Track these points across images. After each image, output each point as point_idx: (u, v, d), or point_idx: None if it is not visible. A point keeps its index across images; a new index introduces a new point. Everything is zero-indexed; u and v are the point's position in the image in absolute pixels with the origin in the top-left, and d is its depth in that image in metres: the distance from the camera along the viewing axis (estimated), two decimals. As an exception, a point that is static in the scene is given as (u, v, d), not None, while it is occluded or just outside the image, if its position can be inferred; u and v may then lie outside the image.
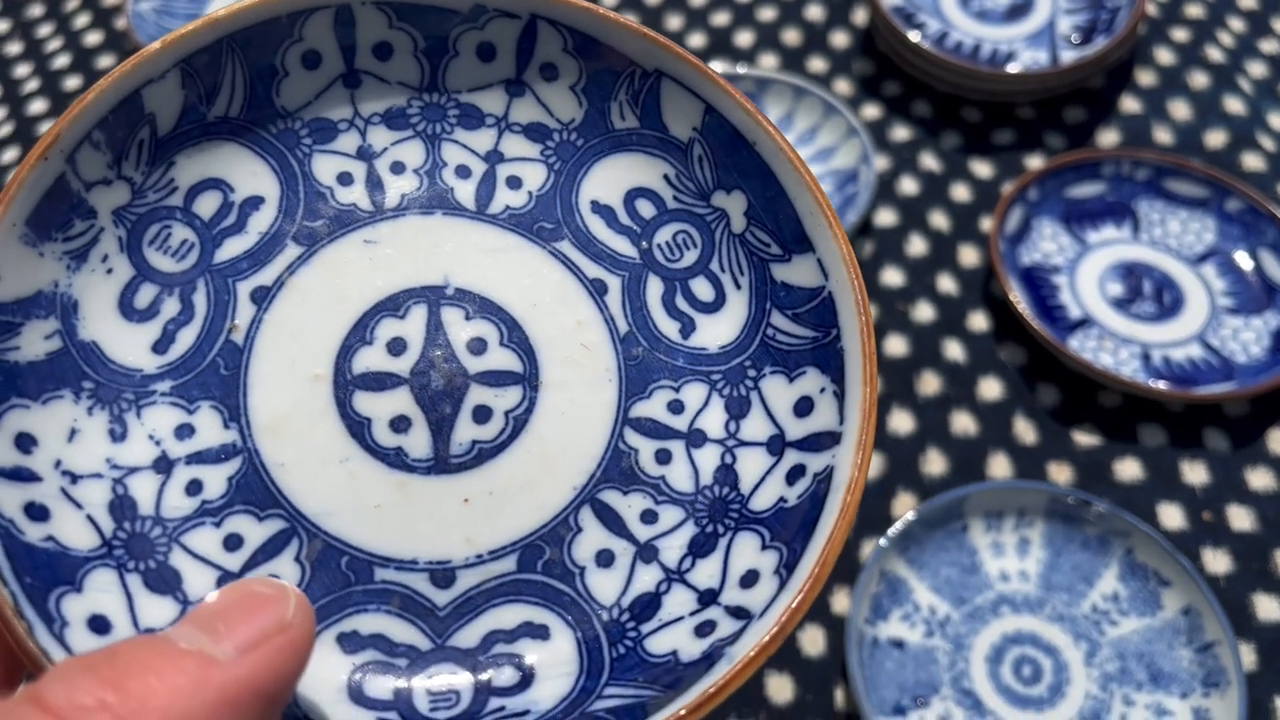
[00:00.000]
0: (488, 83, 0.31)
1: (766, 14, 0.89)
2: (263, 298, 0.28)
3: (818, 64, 0.85)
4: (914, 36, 0.79)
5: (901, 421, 0.66)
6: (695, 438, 0.29)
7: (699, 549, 0.28)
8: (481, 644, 0.27)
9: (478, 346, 0.29)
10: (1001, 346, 0.69)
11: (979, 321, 0.70)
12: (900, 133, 0.80)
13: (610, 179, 0.31)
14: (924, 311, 0.71)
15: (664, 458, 0.29)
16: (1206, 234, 0.72)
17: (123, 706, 0.17)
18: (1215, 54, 0.83)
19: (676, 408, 0.29)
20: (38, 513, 0.25)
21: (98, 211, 0.27)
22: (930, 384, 0.67)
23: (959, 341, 0.69)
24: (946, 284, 0.72)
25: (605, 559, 0.28)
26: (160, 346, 0.28)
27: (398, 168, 0.30)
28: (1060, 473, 0.64)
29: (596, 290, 0.30)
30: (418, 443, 0.28)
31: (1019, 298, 0.66)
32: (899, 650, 0.58)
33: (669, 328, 0.30)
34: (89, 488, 0.26)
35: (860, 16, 0.87)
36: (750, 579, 0.27)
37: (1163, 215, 0.73)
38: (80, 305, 0.27)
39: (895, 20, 0.80)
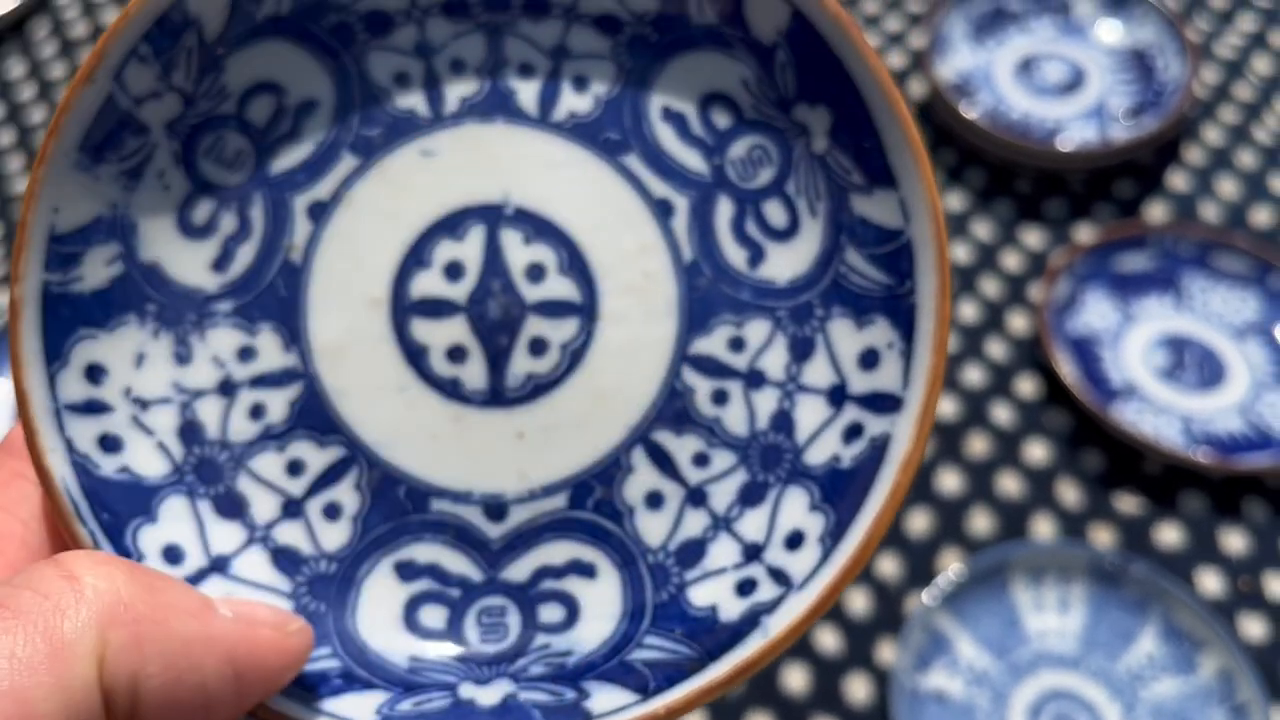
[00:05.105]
0: None
1: (828, 84, 0.93)
2: (320, 213, 0.27)
3: (876, 133, 0.89)
4: (967, 111, 0.83)
5: (949, 481, 0.69)
6: (754, 379, 0.28)
7: (748, 497, 0.27)
8: (531, 579, 0.27)
9: (536, 273, 0.28)
10: (1047, 412, 0.72)
11: (1026, 387, 0.73)
12: (954, 202, 0.84)
13: (685, 80, 0.28)
14: (973, 375, 0.74)
15: (720, 398, 0.28)
16: (1249, 310, 0.75)
17: (131, 590, 0.19)
18: (1262, 135, 0.86)
19: (737, 345, 0.28)
20: (111, 444, 0.25)
21: (150, 127, 0.26)
22: (978, 446, 0.70)
23: (1007, 405, 0.72)
24: (995, 350, 0.75)
25: (654, 501, 0.28)
26: (221, 265, 0.27)
27: (457, 66, 0.28)
28: (1102, 535, 0.67)
29: (662, 212, 0.28)
30: (474, 374, 0.28)
31: (1066, 366, 0.70)
32: (939, 703, 0.60)
33: (736, 256, 0.28)
34: (158, 413, 0.26)
35: (917, 88, 0.92)
36: (795, 540, 0.26)
37: (1205, 290, 0.76)
38: (139, 226, 0.26)
39: (950, 95, 0.84)
